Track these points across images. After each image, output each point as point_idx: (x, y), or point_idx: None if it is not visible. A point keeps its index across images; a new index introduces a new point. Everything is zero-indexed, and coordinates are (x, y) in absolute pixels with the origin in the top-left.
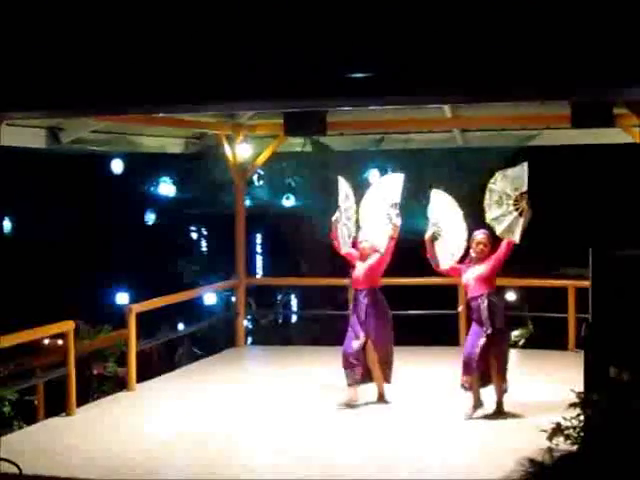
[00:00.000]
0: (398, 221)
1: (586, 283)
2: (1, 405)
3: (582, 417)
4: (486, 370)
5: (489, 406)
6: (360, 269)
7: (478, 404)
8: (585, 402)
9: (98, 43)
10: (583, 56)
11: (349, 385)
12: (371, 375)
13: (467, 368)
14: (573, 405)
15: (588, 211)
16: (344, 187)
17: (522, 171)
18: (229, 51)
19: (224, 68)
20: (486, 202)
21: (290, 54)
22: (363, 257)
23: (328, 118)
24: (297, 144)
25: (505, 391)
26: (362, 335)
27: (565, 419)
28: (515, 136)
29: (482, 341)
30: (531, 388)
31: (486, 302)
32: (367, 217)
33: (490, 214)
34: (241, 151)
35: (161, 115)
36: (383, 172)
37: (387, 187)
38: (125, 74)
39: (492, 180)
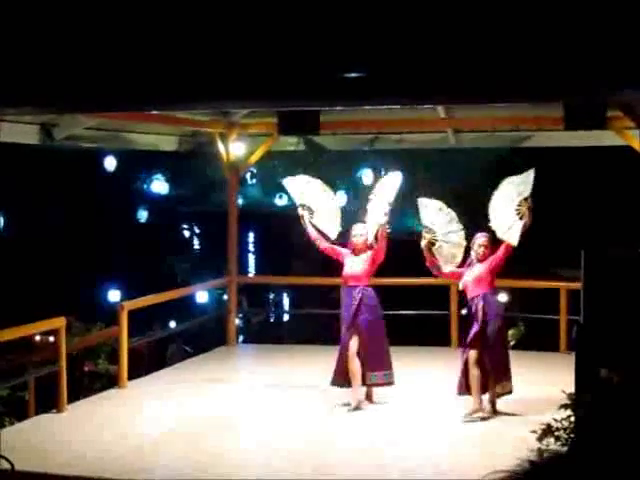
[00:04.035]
0: (383, 220)
1: (578, 285)
2: None
3: (572, 418)
4: (482, 372)
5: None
6: (359, 265)
7: (479, 407)
8: (575, 403)
9: (91, 40)
10: (576, 58)
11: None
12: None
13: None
14: (564, 406)
15: (581, 213)
16: (296, 186)
17: (528, 177)
18: (223, 49)
19: (218, 66)
20: (490, 208)
21: (284, 53)
22: (357, 252)
23: (321, 117)
24: (290, 143)
25: (509, 392)
26: (356, 333)
27: (555, 420)
28: (508, 137)
29: (478, 344)
30: (522, 389)
31: (482, 303)
32: (370, 215)
33: (494, 220)
34: (234, 149)
35: (154, 113)
36: (376, 172)
37: (387, 187)
38: (118, 71)
39: (499, 187)
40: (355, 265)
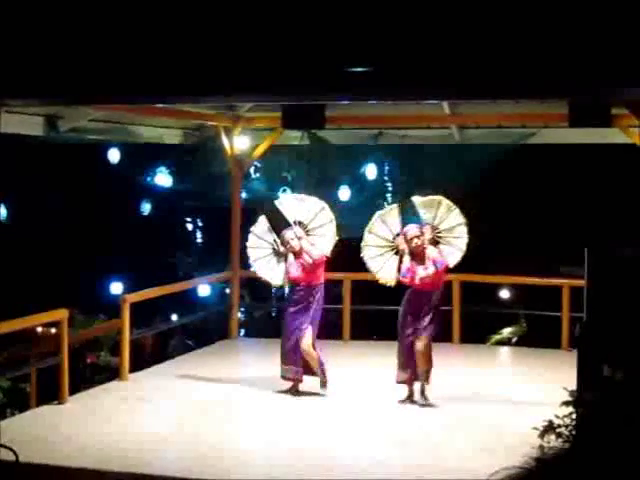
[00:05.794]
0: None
1: (581, 282)
2: None
3: (574, 415)
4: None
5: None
6: (298, 268)
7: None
8: (578, 401)
9: (98, 32)
10: (582, 56)
11: (289, 379)
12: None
13: (409, 363)
14: (566, 403)
15: (585, 210)
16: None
17: (396, 214)
18: (229, 43)
19: (223, 60)
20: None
21: (289, 48)
22: (297, 256)
23: (326, 112)
24: (295, 137)
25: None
26: (304, 328)
27: (557, 417)
28: (513, 134)
29: (418, 335)
30: (524, 386)
31: (433, 297)
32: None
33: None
34: (239, 143)
35: (160, 106)
36: (380, 167)
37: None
38: (124, 64)
39: (369, 226)
40: (293, 268)
